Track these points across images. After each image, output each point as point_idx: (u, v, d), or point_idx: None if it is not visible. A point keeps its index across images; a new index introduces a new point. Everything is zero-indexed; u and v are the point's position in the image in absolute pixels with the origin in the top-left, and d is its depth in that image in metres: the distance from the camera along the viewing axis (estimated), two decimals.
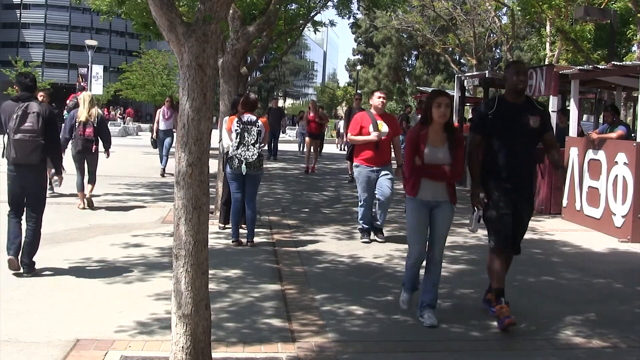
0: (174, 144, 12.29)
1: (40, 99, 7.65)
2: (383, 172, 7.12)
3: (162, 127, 13.55)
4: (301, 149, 22.56)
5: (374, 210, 7.35)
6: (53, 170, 7.96)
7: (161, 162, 13.57)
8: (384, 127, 7.09)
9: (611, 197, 8.18)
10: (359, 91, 48.54)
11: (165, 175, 13.18)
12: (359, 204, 7.30)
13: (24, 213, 5.57)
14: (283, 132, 22.38)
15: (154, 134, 14.01)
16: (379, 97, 7.24)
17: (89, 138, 8.69)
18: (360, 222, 7.37)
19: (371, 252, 6.79)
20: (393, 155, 7.36)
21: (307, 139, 16.09)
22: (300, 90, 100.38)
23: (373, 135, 7.00)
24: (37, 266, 5.60)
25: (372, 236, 7.40)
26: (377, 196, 7.16)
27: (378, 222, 7.32)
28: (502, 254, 4.61)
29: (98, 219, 8.22)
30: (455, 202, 4.56)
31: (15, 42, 65.00)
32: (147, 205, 9.50)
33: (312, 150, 15.78)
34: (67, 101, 15.27)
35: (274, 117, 19.09)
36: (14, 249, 5.42)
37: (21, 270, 5.43)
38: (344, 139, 28.20)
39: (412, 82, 55.48)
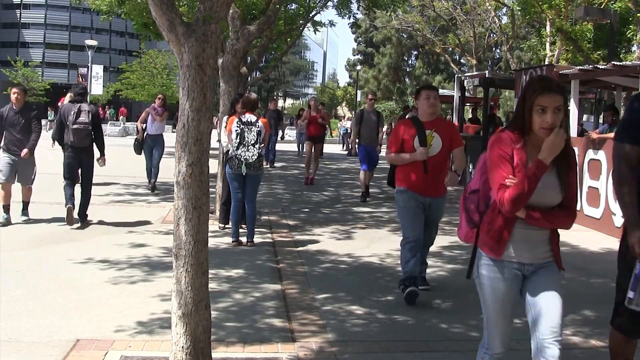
0: (165, 154, 11.57)
1: (13, 96, 7.81)
2: (435, 208, 5.09)
3: (150, 130, 10.88)
4: (301, 149, 21.34)
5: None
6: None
7: (148, 176, 11.03)
8: (435, 140, 5.01)
9: (611, 197, 8.18)
10: (359, 91, 48.32)
11: (155, 191, 10.87)
12: (402, 242, 5.12)
13: (79, 182, 7.83)
14: (282, 138, 19.15)
15: (139, 134, 11.15)
16: (427, 97, 5.03)
17: None
18: (404, 270, 5.06)
19: (371, 252, 6.79)
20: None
21: (306, 142, 13.57)
22: (300, 90, 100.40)
23: (419, 154, 4.95)
24: (37, 266, 5.68)
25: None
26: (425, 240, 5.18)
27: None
28: None
29: (98, 218, 8.21)
30: (562, 266, 2.85)
31: (15, 42, 65.04)
32: (147, 205, 9.50)
33: (312, 155, 13.39)
34: (59, 104, 17.62)
35: (271, 119, 16.76)
36: (72, 202, 7.56)
37: (76, 225, 7.55)
38: (350, 140, 27.62)
39: (412, 82, 55.50)
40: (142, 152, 11.11)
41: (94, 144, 7.78)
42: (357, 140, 10.88)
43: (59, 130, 7.83)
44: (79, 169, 7.75)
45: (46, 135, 16.11)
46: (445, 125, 5.26)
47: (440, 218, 5.30)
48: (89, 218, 7.89)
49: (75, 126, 7.54)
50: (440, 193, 5.12)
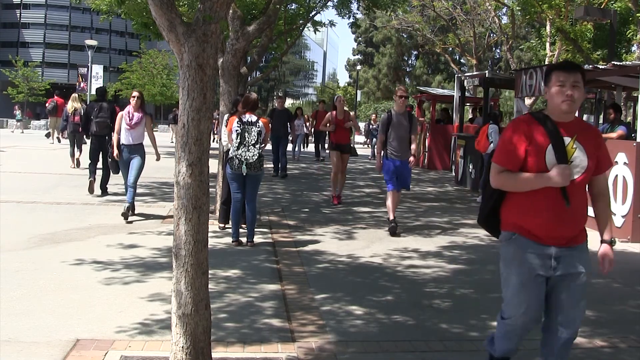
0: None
1: None
2: (570, 262, 3.16)
3: (124, 140, 8.23)
4: (297, 151, 19.55)
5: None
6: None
7: (128, 192, 8.17)
8: (577, 154, 3.05)
9: (611, 197, 8.18)
10: (359, 91, 47.98)
11: (129, 218, 8.03)
12: (500, 317, 3.34)
13: (99, 162, 10.03)
14: (292, 142, 16.18)
15: (114, 149, 8.39)
16: (561, 84, 3.00)
17: (78, 123, 13.38)
18: (492, 349, 3.46)
19: (371, 252, 6.79)
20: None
21: (332, 152, 10.56)
22: (300, 90, 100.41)
23: (557, 174, 2.96)
24: (37, 265, 5.70)
25: None
26: (556, 328, 3.19)
27: None
28: None
29: (98, 219, 8.21)
30: None
31: (15, 42, 65.02)
32: (147, 205, 9.49)
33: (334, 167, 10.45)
34: (47, 104, 21.16)
35: (279, 120, 14.23)
36: (93, 177, 9.98)
37: (97, 193, 10.02)
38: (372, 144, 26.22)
39: (412, 82, 55.50)
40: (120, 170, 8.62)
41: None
42: (382, 152, 8.03)
43: (86, 123, 10.37)
44: (100, 152, 9.99)
45: (38, 134, 15.98)
46: (589, 131, 3.16)
47: (583, 281, 3.18)
48: (108, 191, 10.14)
49: (97, 119, 9.84)
50: (579, 239, 3.24)
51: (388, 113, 8.22)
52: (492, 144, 10.76)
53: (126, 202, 8.14)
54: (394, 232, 7.82)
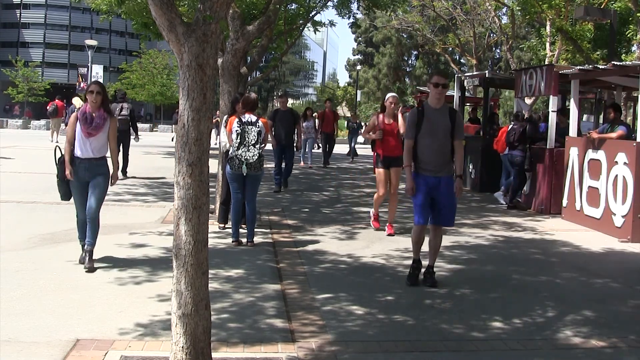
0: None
1: None
2: None
3: (80, 152, 5.67)
4: (308, 157, 17.40)
5: None
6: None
7: (80, 233, 5.98)
8: None
9: (611, 197, 8.18)
10: (359, 91, 47.91)
11: (92, 268, 5.66)
12: None
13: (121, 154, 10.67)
14: (298, 149, 13.57)
15: (67, 166, 5.68)
16: None
17: None
18: None
19: (371, 252, 6.79)
20: None
21: (380, 170, 7.85)
22: (300, 90, 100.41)
23: None
24: (37, 265, 5.69)
25: None
26: None
27: None
28: None
29: None
30: None
31: (15, 42, 65.01)
32: (147, 205, 9.50)
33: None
34: (47, 107, 22.73)
35: (283, 124, 11.89)
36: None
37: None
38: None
39: (412, 82, 55.50)
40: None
41: (131, 128, 12.48)
42: (412, 165, 5.57)
43: None
44: (121, 144, 11.55)
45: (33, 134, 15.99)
46: None
47: None
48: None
49: (119, 117, 11.40)
50: None
51: (419, 108, 5.61)
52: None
53: (85, 244, 5.77)
54: (413, 281, 5.58)
